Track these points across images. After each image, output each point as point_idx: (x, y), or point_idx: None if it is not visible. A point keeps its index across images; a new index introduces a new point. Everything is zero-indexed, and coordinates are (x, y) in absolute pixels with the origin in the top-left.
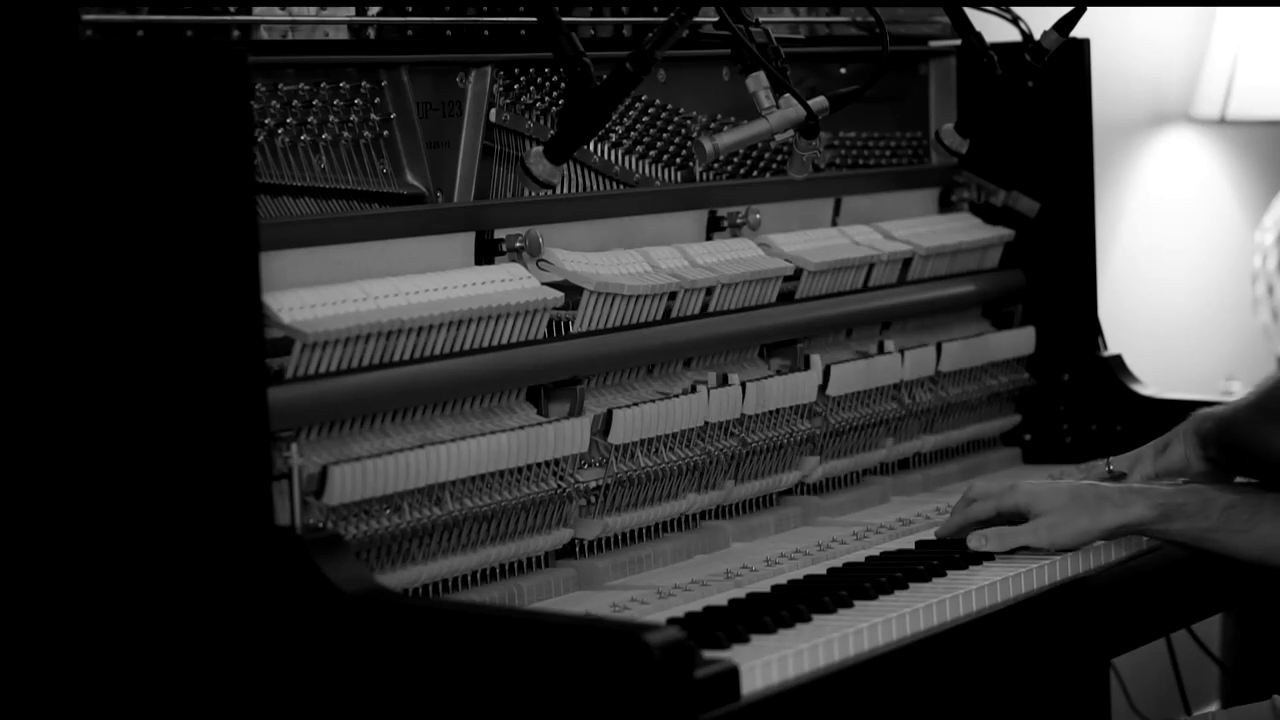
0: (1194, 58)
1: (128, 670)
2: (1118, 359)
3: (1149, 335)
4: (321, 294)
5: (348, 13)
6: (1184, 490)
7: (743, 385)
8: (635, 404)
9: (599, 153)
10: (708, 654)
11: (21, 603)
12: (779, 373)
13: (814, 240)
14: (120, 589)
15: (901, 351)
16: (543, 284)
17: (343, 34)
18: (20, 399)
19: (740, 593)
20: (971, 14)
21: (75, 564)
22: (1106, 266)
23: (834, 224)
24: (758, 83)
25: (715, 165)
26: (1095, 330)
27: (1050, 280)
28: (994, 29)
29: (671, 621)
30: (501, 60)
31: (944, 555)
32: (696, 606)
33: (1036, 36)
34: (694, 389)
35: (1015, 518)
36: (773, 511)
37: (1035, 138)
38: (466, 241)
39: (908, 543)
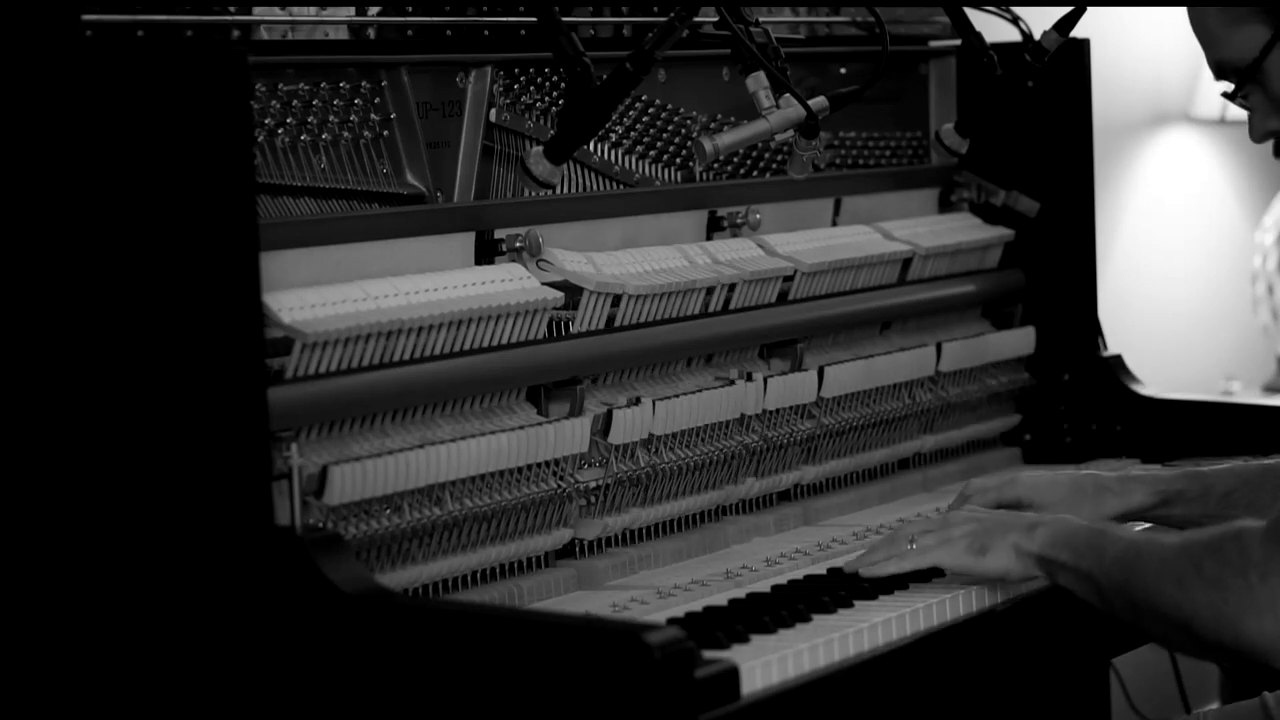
0: (1194, 58)
1: (128, 670)
2: (1118, 359)
3: (1149, 335)
4: (321, 294)
5: (348, 13)
6: (1183, 476)
7: (743, 385)
8: (635, 404)
9: (599, 153)
10: (708, 654)
11: (22, 602)
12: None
13: (812, 240)
14: (121, 589)
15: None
16: (543, 284)
17: (343, 34)
18: (20, 398)
19: (740, 593)
20: (971, 14)
21: (76, 564)
22: (1106, 266)
23: (834, 224)
24: (758, 83)
25: (715, 165)
26: (1095, 330)
27: (1050, 280)
28: (994, 29)
29: (671, 621)
30: (501, 60)
31: None
32: (696, 606)
33: (1036, 36)
34: (694, 389)
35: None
36: (773, 511)
37: (1035, 138)
38: (466, 241)
39: None
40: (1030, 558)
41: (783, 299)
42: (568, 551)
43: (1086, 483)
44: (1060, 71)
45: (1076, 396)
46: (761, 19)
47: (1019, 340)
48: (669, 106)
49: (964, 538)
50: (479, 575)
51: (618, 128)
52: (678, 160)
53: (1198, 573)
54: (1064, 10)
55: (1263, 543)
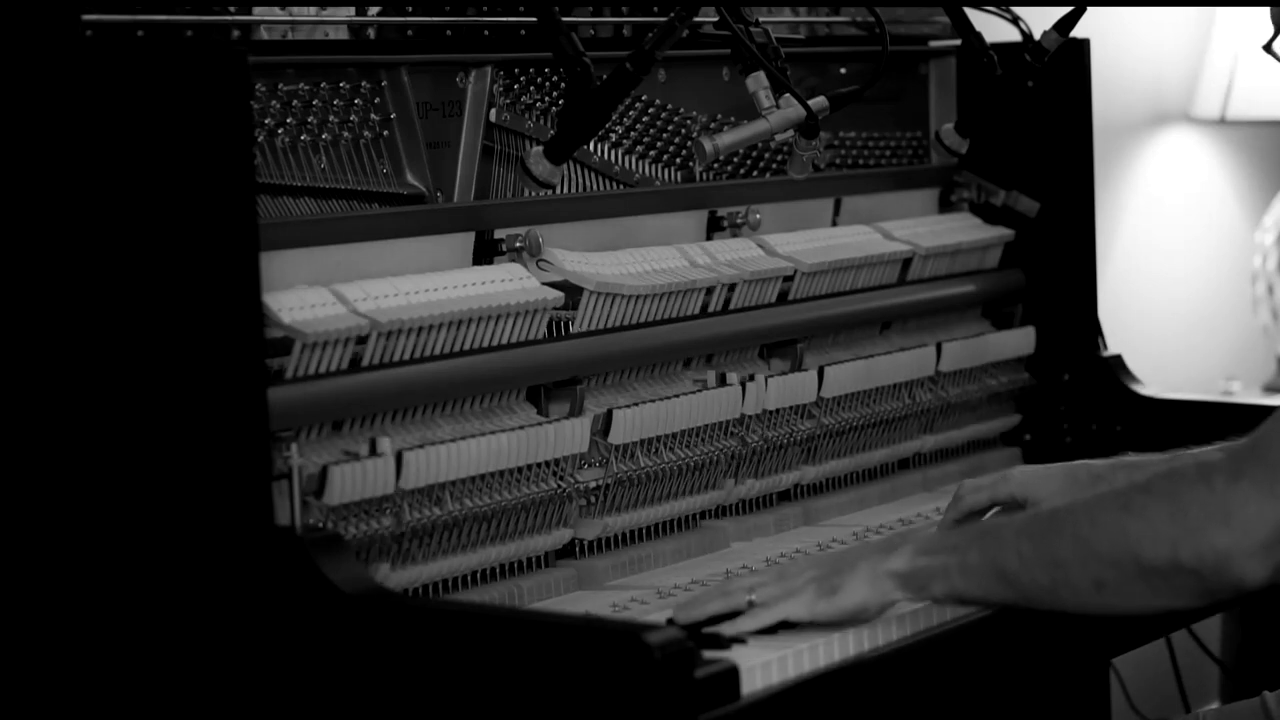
0: (1194, 58)
1: (128, 670)
2: (1118, 359)
3: (1149, 335)
4: (322, 294)
5: (348, 13)
6: (1179, 460)
7: (743, 385)
8: (635, 404)
9: (599, 153)
10: (708, 654)
11: (22, 602)
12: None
13: (812, 240)
14: (121, 589)
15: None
16: (543, 284)
17: (343, 34)
18: (19, 398)
19: None
20: (971, 14)
21: (75, 564)
22: (1106, 266)
23: (834, 224)
24: (758, 83)
25: (715, 165)
26: (1095, 330)
27: (1050, 280)
28: (994, 29)
29: (671, 621)
30: (501, 60)
31: None
32: None
33: (1036, 36)
34: (694, 389)
35: (1011, 508)
36: (773, 511)
37: (1035, 138)
38: (466, 241)
39: None
40: (891, 578)
41: (783, 299)
42: (568, 551)
43: (1080, 472)
44: (1060, 71)
45: (1076, 396)
46: (761, 19)
47: (1019, 340)
48: (669, 106)
49: (810, 584)
50: (479, 575)
51: (618, 128)
52: (678, 160)
53: (1147, 493)
54: (1064, 10)
55: (1227, 457)
